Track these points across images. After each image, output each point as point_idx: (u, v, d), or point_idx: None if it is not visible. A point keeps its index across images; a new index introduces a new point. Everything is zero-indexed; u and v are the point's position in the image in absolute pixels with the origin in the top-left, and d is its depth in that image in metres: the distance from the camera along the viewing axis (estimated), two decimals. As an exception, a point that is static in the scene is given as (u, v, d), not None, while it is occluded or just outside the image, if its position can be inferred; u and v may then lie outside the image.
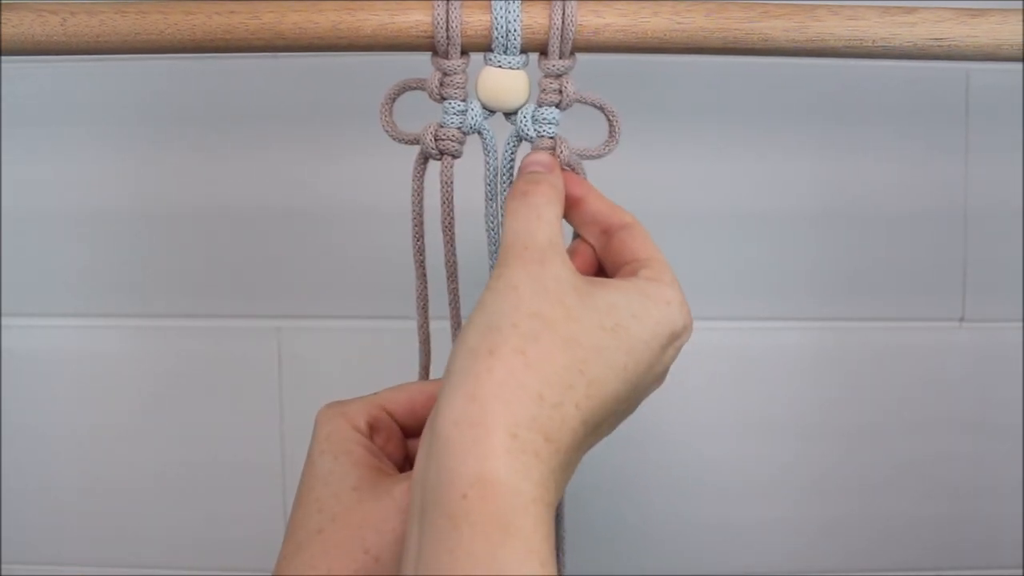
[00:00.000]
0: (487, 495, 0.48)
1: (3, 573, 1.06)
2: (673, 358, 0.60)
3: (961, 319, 1.03)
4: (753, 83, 0.99)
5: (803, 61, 0.66)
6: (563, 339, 0.53)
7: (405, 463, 0.65)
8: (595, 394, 0.54)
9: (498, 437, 0.50)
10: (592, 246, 0.65)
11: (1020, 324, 1.03)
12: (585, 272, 0.64)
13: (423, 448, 0.52)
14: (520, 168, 0.64)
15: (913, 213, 1.01)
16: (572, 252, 0.64)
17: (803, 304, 1.03)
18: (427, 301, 0.71)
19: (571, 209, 0.65)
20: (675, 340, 0.59)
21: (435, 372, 0.72)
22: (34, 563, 1.07)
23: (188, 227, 1.02)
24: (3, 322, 1.03)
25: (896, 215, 1.01)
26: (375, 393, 0.65)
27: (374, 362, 1.03)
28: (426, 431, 0.52)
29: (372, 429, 0.63)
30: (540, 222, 0.58)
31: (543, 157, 0.64)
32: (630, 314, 0.56)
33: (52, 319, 1.03)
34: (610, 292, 0.57)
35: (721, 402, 1.04)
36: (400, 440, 0.65)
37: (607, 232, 0.64)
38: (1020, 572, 1.06)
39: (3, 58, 0.64)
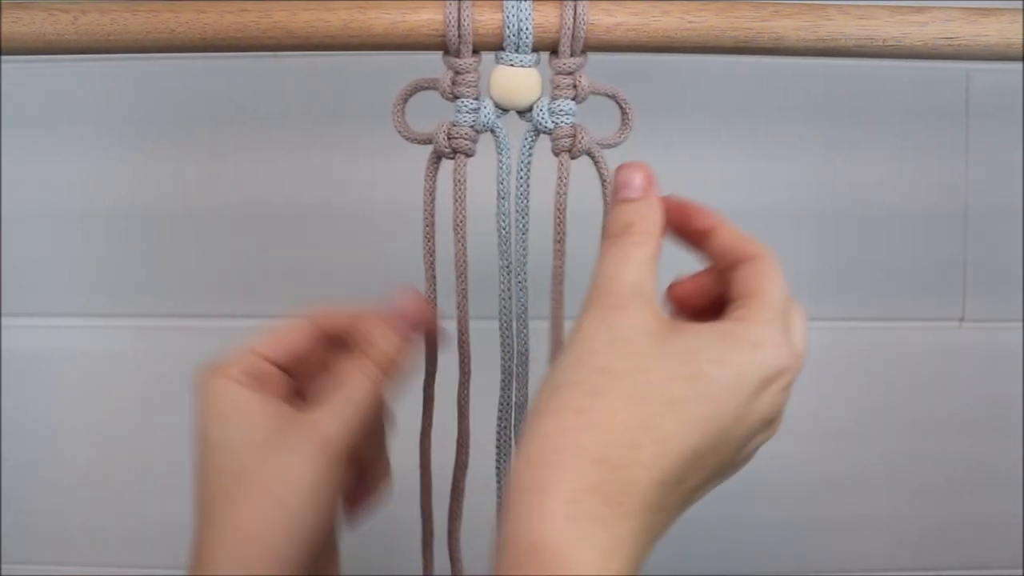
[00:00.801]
0: (543, 563, 0.47)
1: (3, 573, 1.06)
2: (774, 404, 0.55)
3: (961, 319, 1.03)
4: (752, 83, 0.99)
5: (802, 61, 0.66)
6: (629, 393, 0.51)
7: (296, 400, 0.63)
8: (669, 451, 0.51)
9: (556, 503, 0.48)
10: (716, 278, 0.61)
11: (1020, 324, 1.03)
12: (701, 306, 0.61)
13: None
14: (615, 186, 0.60)
15: (913, 213, 1.01)
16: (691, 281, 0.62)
17: (803, 304, 1.03)
18: (436, 302, 0.70)
19: (701, 242, 0.61)
20: (770, 384, 0.54)
21: (440, 372, 0.72)
22: (35, 563, 1.06)
23: (188, 227, 1.01)
24: (3, 322, 1.02)
25: (896, 215, 1.01)
26: (247, 342, 0.63)
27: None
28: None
29: (254, 379, 0.61)
30: (627, 264, 0.56)
31: (638, 178, 0.59)
32: (712, 359, 0.52)
33: (52, 319, 1.03)
34: (690, 337, 0.53)
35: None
36: (283, 382, 0.64)
37: (733, 268, 0.59)
38: (1020, 572, 1.07)
39: (4, 57, 0.64)
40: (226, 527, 0.57)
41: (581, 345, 0.53)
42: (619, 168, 0.60)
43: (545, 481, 0.49)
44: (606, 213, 0.62)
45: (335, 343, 0.64)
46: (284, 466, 0.57)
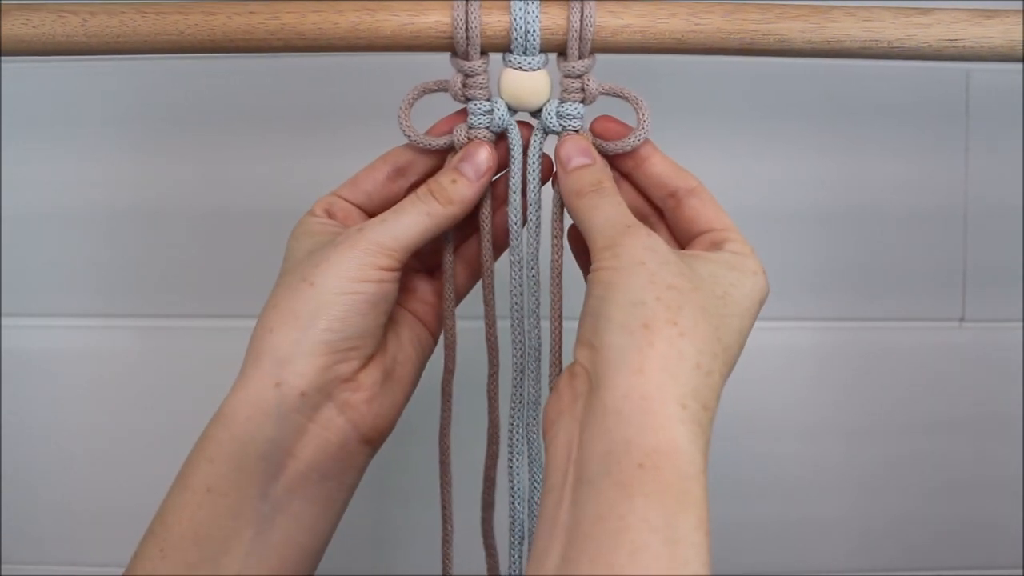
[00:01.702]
0: (663, 464, 0.50)
1: (3, 573, 1.06)
2: (753, 323, 0.61)
3: (961, 319, 1.03)
4: (752, 83, 0.99)
5: (802, 60, 0.67)
6: (698, 307, 0.55)
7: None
8: (728, 360, 0.57)
9: (671, 408, 0.52)
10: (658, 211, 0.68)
11: (1020, 324, 1.03)
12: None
13: (575, 425, 0.54)
14: (561, 161, 0.65)
15: (913, 213, 1.01)
16: None
17: (803, 304, 1.03)
18: (454, 303, 0.71)
19: (636, 169, 0.67)
20: (761, 305, 0.61)
21: (456, 375, 0.72)
22: (34, 563, 1.06)
23: (188, 227, 1.01)
24: (3, 322, 1.02)
25: (896, 215, 1.01)
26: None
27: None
28: (578, 408, 0.55)
29: (328, 213, 0.68)
30: (622, 205, 0.61)
31: (582, 144, 0.65)
32: (729, 284, 0.58)
33: (52, 319, 1.03)
34: (707, 264, 0.59)
35: (721, 402, 1.04)
36: (358, 215, 0.69)
37: (674, 196, 0.65)
38: (1020, 572, 1.07)
39: (5, 58, 0.64)
40: (266, 309, 0.63)
41: (640, 268, 0.56)
42: (564, 144, 0.66)
43: (657, 388, 0.52)
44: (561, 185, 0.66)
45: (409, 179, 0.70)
46: (320, 255, 0.62)
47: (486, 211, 0.68)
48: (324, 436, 0.62)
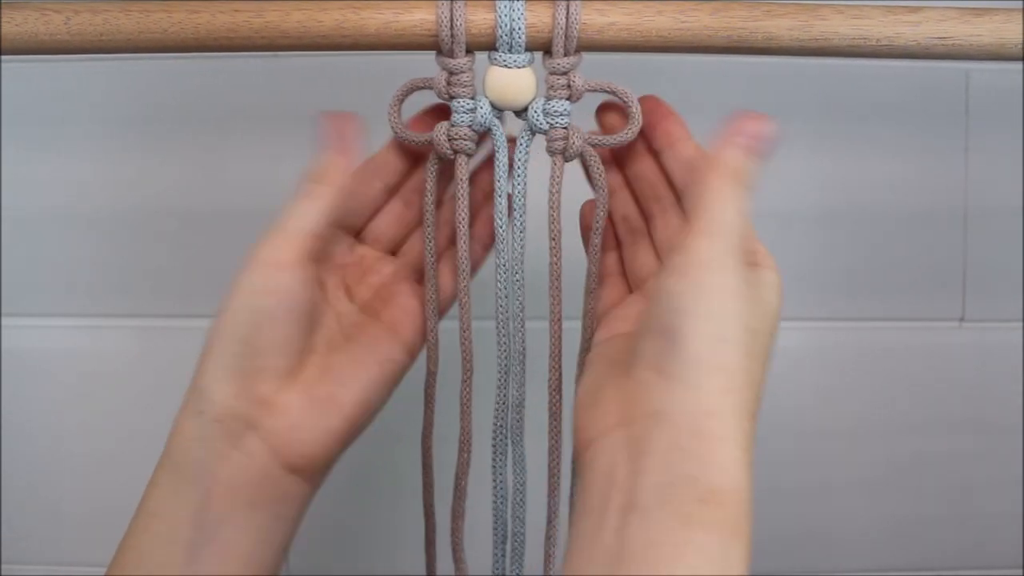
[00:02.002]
0: (725, 501, 0.51)
1: (3, 573, 1.06)
2: None
3: (961, 319, 1.03)
4: (751, 82, 0.98)
5: (802, 60, 0.66)
6: (764, 354, 0.56)
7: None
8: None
9: (737, 453, 0.52)
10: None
11: (1020, 324, 1.03)
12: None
13: (621, 450, 0.54)
14: (743, 129, 0.60)
15: (913, 213, 1.01)
16: None
17: (803, 304, 1.03)
18: (437, 304, 0.70)
19: (669, 148, 0.66)
20: None
21: (441, 375, 0.72)
22: (34, 563, 1.07)
23: (188, 227, 1.01)
24: (3, 322, 1.02)
25: (896, 215, 1.01)
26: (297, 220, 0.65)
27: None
28: (624, 434, 0.55)
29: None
30: (741, 216, 0.57)
31: (765, 128, 0.60)
32: (774, 313, 0.58)
33: (52, 319, 1.03)
34: (762, 291, 0.58)
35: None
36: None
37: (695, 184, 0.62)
38: (1020, 572, 1.06)
39: (4, 57, 0.64)
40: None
41: (734, 299, 0.55)
42: (760, 116, 0.61)
43: (726, 431, 0.52)
44: (724, 150, 0.60)
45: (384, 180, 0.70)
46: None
47: (462, 211, 0.67)
48: (244, 463, 0.60)
